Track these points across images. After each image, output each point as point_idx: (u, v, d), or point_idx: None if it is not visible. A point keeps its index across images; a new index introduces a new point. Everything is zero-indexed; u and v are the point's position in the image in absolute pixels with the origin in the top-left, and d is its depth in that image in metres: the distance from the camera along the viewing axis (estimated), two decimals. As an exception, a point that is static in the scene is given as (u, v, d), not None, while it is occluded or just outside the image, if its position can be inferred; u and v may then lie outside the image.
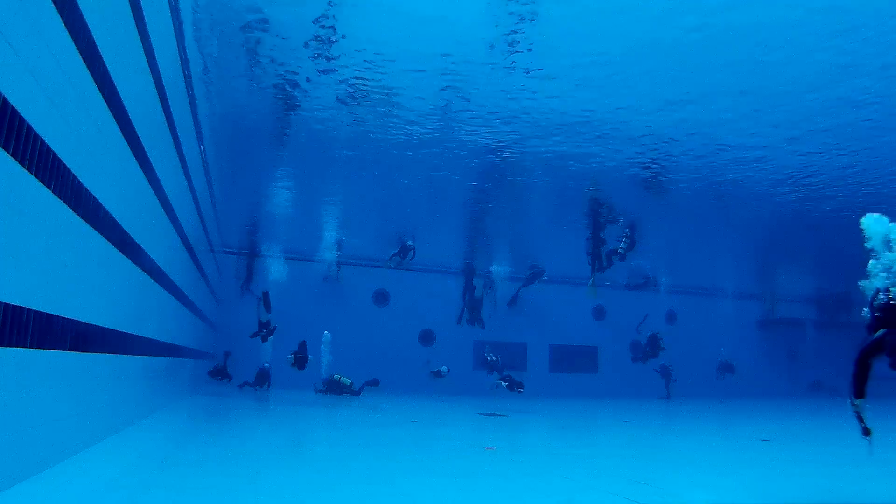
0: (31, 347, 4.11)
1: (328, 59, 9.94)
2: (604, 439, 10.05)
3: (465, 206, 18.66)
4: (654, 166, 14.61)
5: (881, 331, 4.58)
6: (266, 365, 17.75)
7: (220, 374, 17.08)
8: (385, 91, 11.31)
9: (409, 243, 21.14)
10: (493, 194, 17.63)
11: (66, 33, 4.29)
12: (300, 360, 16.74)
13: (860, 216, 5.15)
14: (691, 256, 24.56)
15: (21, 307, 3.91)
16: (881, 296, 4.66)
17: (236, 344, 19.91)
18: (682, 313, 28.25)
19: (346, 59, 10.11)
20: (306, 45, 9.65)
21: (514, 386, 18.20)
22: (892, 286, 4.60)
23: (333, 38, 9.48)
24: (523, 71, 10.33)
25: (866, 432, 4.89)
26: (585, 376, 26.03)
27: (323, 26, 9.18)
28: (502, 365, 21.67)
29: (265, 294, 19.69)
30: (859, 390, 4.76)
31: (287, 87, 11.25)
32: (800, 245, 22.14)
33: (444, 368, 20.90)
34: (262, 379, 17.44)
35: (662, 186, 15.99)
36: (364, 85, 11.10)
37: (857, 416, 4.87)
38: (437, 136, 13.36)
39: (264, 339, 17.33)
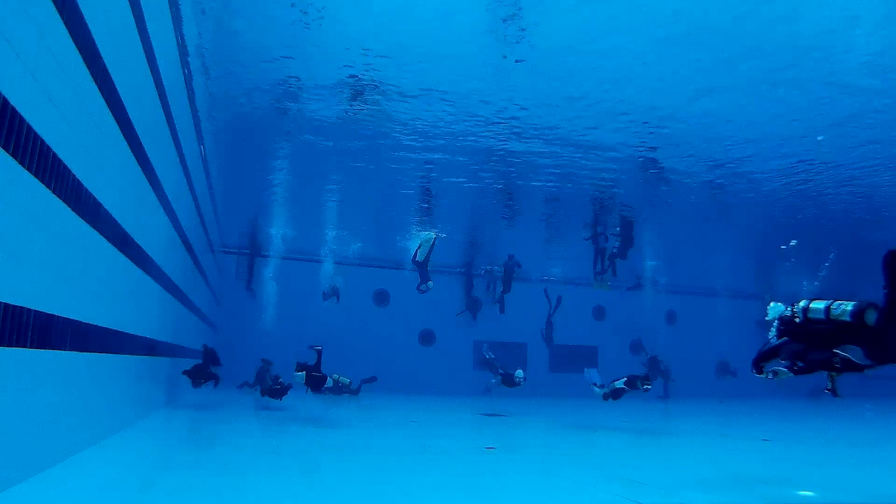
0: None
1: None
2: (603, 439, 10.04)
3: (466, 206, 18.68)
4: (658, 150, 14.33)
5: (783, 339, 5.38)
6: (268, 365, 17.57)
7: (200, 374, 12.09)
8: (387, 81, 11.20)
9: (443, 235, 20.78)
10: (497, 196, 17.66)
11: (66, 33, 4.29)
12: (315, 381, 11.43)
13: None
14: (691, 256, 24.55)
15: (22, 307, 3.91)
16: (787, 312, 5.39)
17: (236, 343, 19.94)
18: (682, 313, 28.25)
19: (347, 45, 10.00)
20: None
21: (634, 383, 12.17)
22: (797, 304, 5.30)
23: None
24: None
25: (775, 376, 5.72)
26: (585, 376, 26.02)
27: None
28: (500, 364, 21.59)
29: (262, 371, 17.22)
30: (759, 370, 5.71)
31: (287, 82, 11.21)
32: (800, 244, 22.14)
33: (519, 374, 15.20)
34: (263, 379, 17.26)
35: (665, 176, 15.84)
36: (365, 77, 11.02)
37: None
38: (442, 132, 13.28)
39: (279, 397, 12.85)
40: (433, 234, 19.95)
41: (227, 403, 13.57)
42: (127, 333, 7.22)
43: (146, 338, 8.47)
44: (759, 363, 5.66)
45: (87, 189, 5.05)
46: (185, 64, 9.39)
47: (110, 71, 5.35)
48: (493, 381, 15.85)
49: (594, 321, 27.21)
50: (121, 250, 6.49)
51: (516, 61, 10.13)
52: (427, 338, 25.06)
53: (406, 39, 9.71)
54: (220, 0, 8.80)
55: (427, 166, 15.33)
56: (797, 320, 5.26)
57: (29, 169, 3.86)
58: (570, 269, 25.00)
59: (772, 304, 5.65)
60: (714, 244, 22.64)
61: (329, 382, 11.59)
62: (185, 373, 11.88)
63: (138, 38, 6.34)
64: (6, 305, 3.70)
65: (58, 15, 4.13)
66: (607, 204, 18.19)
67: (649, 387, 11.80)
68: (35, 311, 4.16)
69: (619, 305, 26.66)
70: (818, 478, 6.63)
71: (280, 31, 9.48)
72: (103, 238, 5.76)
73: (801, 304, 5.27)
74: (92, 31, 4.77)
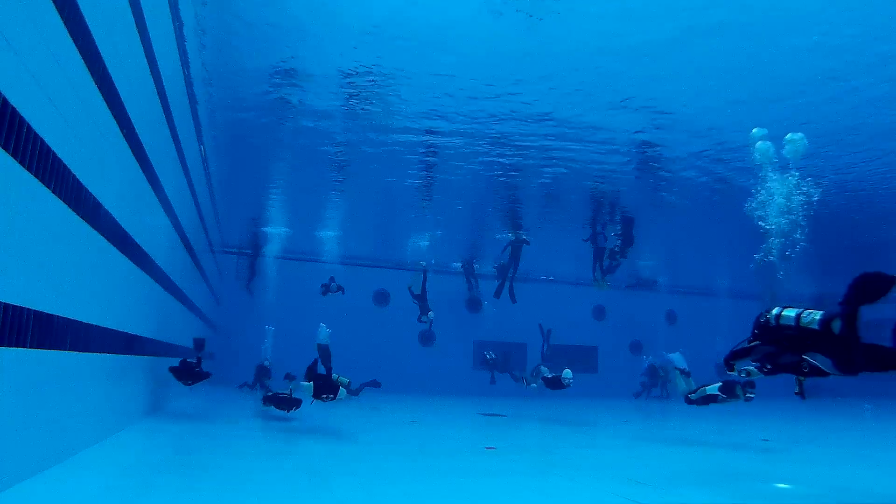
0: None
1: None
2: (603, 440, 10.04)
3: (466, 205, 18.68)
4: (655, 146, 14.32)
5: (755, 342, 5.63)
6: (266, 363, 17.51)
7: (188, 373, 10.03)
8: (386, 79, 11.17)
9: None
10: (495, 195, 17.65)
11: (67, 33, 4.29)
12: (323, 389, 9.80)
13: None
14: (691, 256, 24.54)
15: (23, 307, 3.91)
16: (762, 317, 5.61)
17: (236, 343, 19.95)
18: (682, 313, 28.26)
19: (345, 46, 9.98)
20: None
21: (732, 390, 9.80)
22: (772, 310, 5.55)
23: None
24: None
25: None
26: (585, 376, 26.01)
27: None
28: (503, 364, 21.59)
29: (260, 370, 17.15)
30: (730, 367, 6.06)
31: (286, 82, 11.21)
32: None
33: (567, 374, 13.26)
34: (262, 381, 17.23)
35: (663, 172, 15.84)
36: (364, 75, 10.99)
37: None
38: (442, 126, 13.25)
39: (288, 409, 11.50)
40: (423, 264, 20.28)
41: (224, 405, 13.42)
42: (127, 333, 7.14)
43: (146, 338, 8.45)
44: (731, 361, 5.93)
45: (87, 189, 5.05)
46: (185, 64, 9.39)
47: (111, 72, 5.34)
48: (534, 385, 14.40)
49: (594, 321, 27.21)
50: (119, 249, 6.49)
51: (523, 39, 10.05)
52: (427, 338, 25.07)
53: (410, 24, 9.64)
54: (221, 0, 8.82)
55: (427, 160, 15.33)
56: (770, 325, 5.51)
57: (29, 169, 3.86)
58: (570, 268, 25.01)
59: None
60: (714, 244, 22.64)
61: (342, 393, 9.99)
62: (172, 370, 10.03)
63: (138, 38, 6.34)
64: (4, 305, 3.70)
65: (58, 15, 4.12)
66: (607, 201, 18.21)
67: (752, 396, 9.68)
68: (34, 310, 4.16)
69: (619, 305, 26.65)
70: (816, 476, 6.63)
71: (279, 27, 9.51)
72: (102, 237, 5.76)
73: (775, 310, 5.52)
74: (92, 31, 4.77)
